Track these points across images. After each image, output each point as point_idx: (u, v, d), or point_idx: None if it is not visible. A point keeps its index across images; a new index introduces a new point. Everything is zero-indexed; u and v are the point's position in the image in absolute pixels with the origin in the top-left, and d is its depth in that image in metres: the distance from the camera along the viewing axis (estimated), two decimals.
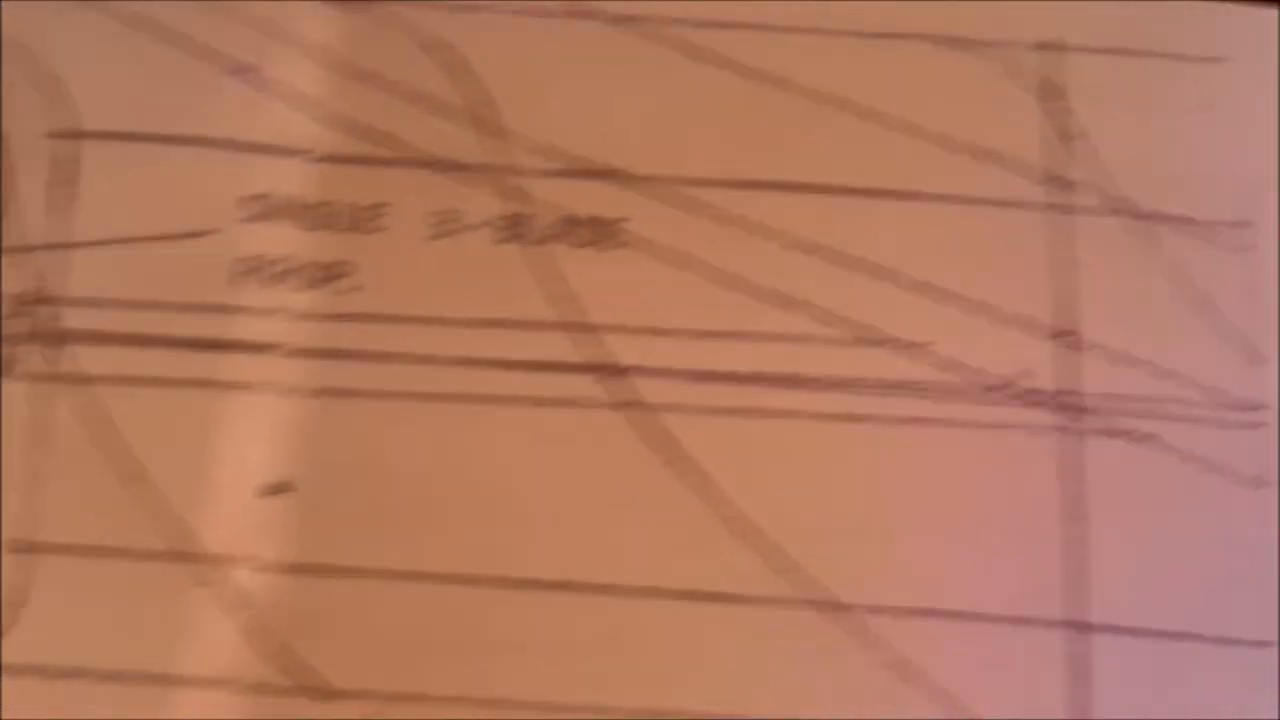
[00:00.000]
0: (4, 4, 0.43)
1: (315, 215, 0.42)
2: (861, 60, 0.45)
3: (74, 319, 0.42)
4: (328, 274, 0.41)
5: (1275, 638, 0.39)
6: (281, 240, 0.42)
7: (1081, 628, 0.39)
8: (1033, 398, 0.41)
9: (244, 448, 0.41)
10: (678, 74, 0.45)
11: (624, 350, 0.42)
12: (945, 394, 0.41)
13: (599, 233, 0.42)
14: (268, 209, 0.42)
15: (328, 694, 0.39)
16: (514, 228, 0.42)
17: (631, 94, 0.45)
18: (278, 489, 0.40)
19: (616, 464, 0.40)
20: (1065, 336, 0.41)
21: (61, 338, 0.41)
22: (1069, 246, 0.42)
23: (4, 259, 0.41)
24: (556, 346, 0.42)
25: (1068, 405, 0.41)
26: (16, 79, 0.43)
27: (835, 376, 0.42)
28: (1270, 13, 0.44)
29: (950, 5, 0.44)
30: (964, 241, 0.42)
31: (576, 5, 0.44)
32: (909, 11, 0.44)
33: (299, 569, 0.40)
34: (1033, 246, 0.42)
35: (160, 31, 0.43)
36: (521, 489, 0.41)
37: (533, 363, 0.41)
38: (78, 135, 0.43)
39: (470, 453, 0.41)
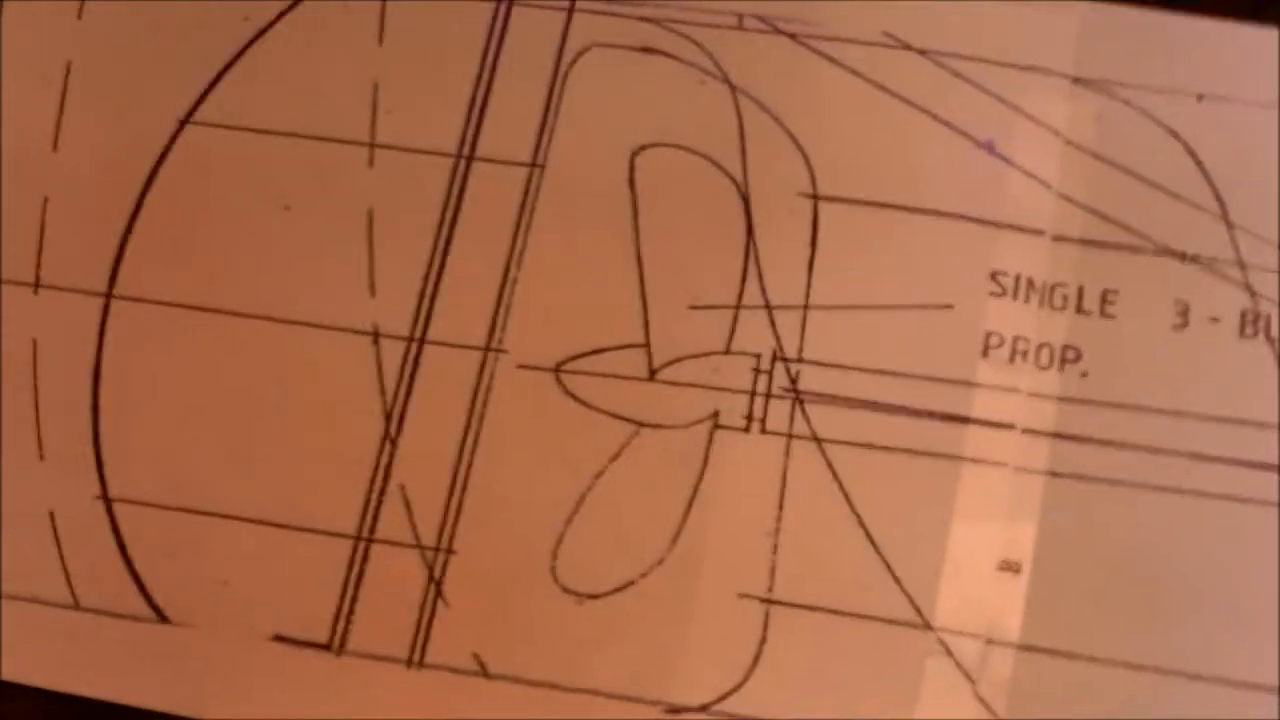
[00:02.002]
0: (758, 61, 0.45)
1: (1050, 296, 0.42)
2: None
3: (814, 380, 0.42)
4: (1060, 356, 0.42)
5: None
6: (1017, 319, 0.43)
7: None
8: None
9: (979, 523, 0.41)
10: None
11: None
12: None
13: None
14: (1005, 286, 0.43)
15: None
16: (1254, 324, 0.41)
17: None
18: (1009, 566, 0.40)
19: None
20: None
21: (804, 397, 0.41)
22: None
23: (751, 315, 0.42)
24: None
25: None
26: (763, 135, 0.44)
27: None
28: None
29: None
30: None
31: None
32: None
33: (1029, 649, 0.41)
34: None
35: (905, 98, 0.44)
36: (1252, 590, 0.40)
37: (1268, 464, 0.40)
38: (819, 198, 0.43)
39: (1203, 549, 0.42)
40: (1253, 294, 0.42)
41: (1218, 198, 0.42)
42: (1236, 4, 0.45)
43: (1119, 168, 0.43)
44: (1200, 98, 0.44)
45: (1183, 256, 0.43)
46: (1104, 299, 0.42)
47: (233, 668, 0.41)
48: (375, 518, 0.41)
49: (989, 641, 0.41)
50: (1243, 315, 0.42)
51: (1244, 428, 0.42)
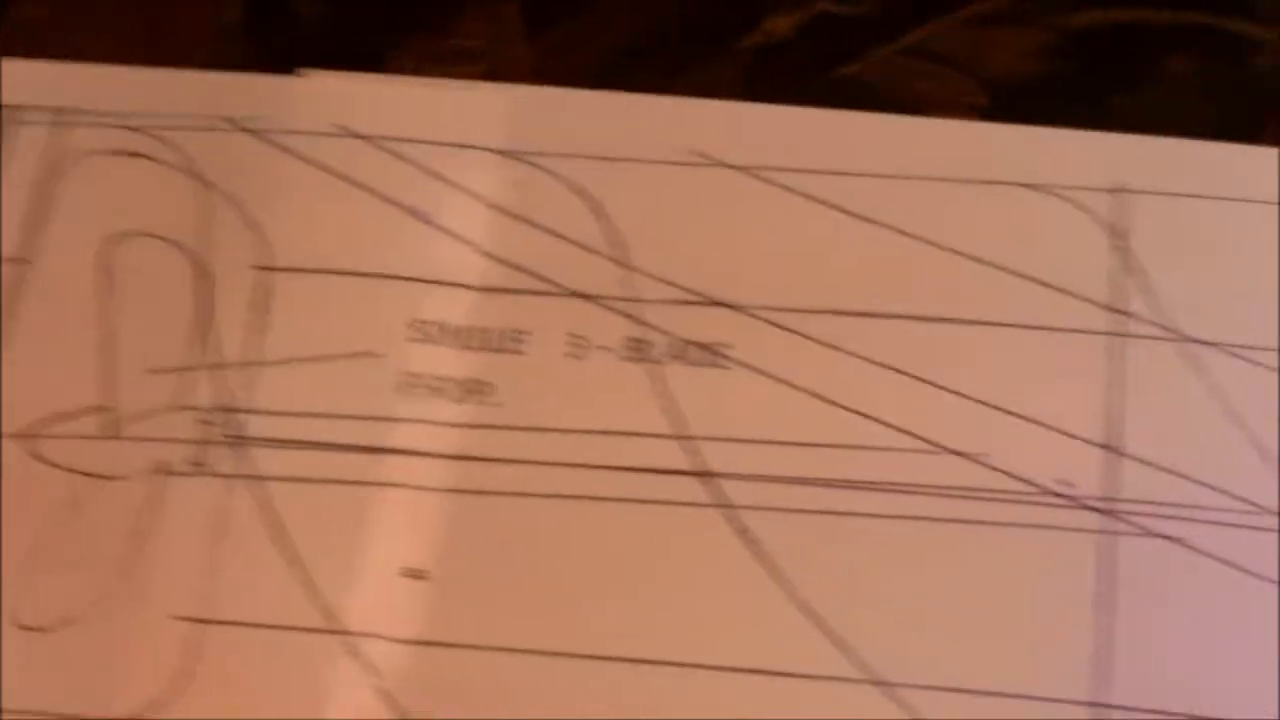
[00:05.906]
0: (225, 157, 0.52)
1: (467, 338, 0.49)
2: (949, 203, 0.51)
3: (258, 427, 0.48)
4: (474, 390, 0.48)
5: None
6: (437, 360, 0.49)
7: (1103, 708, 0.44)
8: (1075, 502, 0.46)
9: (387, 539, 0.47)
10: (793, 216, 0.51)
11: (720, 457, 0.48)
12: (994, 498, 0.46)
13: (708, 355, 0.48)
14: (428, 333, 0.49)
15: None
16: (637, 350, 0.48)
17: (747, 233, 0.51)
18: (415, 574, 0.46)
19: (706, 555, 0.47)
20: (1109, 448, 0.46)
21: (245, 442, 0.48)
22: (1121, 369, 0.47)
23: (202, 374, 0.49)
24: (664, 453, 0.47)
25: (1107, 509, 0.46)
26: (227, 220, 0.51)
27: (901, 482, 0.47)
28: None
29: (1028, 154, 0.50)
30: (1027, 364, 0.48)
31: (706, 155, 0.50)
32: (993, 159, 0.51)
33: (427, 644, 0.46)
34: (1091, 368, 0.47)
35: (352, 179, 0.51)
36: (628, 575, 0.47)
37: (641, 467, 0.46)
38: (274, 269, 0.50)
39: (586, 544, 0.47)
40: (640, 324, 0.48)
41: (620, 244, 0.49)
42: (646, 78, 0.53)
43: (536, 225, 0.50)
44: (611, 160, 0.50)
45: (585, 297, 0.48)
46: (516, 338, 0.48)
47: None
48: None
49: (393, 641, 0.46)
50: (628, 342, 0.48)
51: (632, 439, 0.48)
